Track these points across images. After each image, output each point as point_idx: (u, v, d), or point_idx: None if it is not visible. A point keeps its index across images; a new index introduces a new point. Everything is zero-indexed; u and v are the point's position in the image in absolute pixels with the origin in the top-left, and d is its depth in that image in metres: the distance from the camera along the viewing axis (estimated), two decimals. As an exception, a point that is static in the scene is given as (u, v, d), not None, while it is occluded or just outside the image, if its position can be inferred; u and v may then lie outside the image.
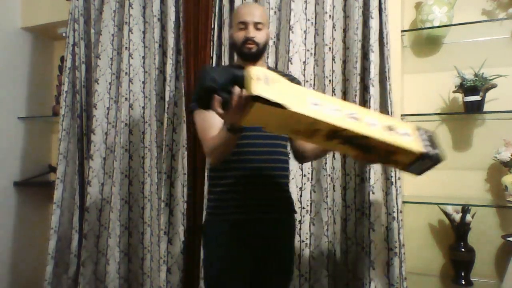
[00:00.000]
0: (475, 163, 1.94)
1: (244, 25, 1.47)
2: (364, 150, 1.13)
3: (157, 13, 2.18)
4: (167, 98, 2.10)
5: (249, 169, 1.42)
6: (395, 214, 1.73)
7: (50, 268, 2.29)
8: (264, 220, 1.45)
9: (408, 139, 1.11)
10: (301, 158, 1.59)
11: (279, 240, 1.49)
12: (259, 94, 0.99)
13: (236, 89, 1.06)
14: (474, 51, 1.91)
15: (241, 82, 1.06)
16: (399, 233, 1.73)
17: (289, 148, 1.61)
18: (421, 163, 1.13)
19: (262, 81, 1.03)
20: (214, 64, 2.05)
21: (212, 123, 1.38)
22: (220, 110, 1.10)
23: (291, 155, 1.62)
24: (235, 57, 1.59)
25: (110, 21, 2.31)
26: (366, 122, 1.09)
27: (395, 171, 1.74)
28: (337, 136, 1.10)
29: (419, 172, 1.17)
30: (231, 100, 1.07)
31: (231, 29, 1.58)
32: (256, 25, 1.47)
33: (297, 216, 1.80)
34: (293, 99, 1.04)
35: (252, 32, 1.46)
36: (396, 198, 1.74)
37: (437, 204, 1.88)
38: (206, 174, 2.00)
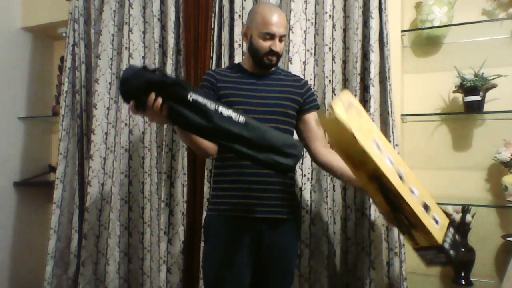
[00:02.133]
0: (475, 163, 1.94)
1: (271, 36, 1.44)
2: (393, 208, 1.15)
3: (157, 13, 2.18)
4: (167, 98, 2.10)
5: (252, 166, 1.40)
6: (395, 214, 1.73)
7: (50, 268, 2.29)
8: (266, 219, 1.45)
9: (436, 226, 1.13)
10: (316, 161, 1.56)
11: (280, 240, 1.49)
12: (335, 113, 1.10)
13: (150, 97, 1.14)
14: (474, 51, 1.91)
15: (157, 87, 1.14)
16: (399, 233, 1.73)
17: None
18: (434, 253, 1.13)
19: (344, 104, 1.13)
20: (214, 65, 2.04)
21: None
22: (135, 111, 1.18)
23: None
24: (246, 58, 1.56)
25: (110, 21, 2.31)
26: (409, 186, 1.13)
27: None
28: (378, 181, 1.12)
29: (427, 261, 1.17)
30: (146, 104, 1.15)
31: (249, 30, 1.51)
32: (280, 37, 1.46)
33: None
34: (363, 130, 1.11)
35: (278, 46, 1.46)
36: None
37: (437, 204, 1.87)
38: (206, 173, 2.00)
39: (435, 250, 1.12)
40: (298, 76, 1.68)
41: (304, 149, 1.59)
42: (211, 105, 1.17)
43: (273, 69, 1.57)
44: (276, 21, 1.44)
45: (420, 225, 1.11)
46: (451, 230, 1.16)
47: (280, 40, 1.46)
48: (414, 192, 1.13)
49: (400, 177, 1.12)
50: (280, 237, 1.48)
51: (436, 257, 1.14)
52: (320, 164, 1.55)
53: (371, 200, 1.72)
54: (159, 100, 1.14)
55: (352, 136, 1.08)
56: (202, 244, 1.74)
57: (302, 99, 1.56)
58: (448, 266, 1.14)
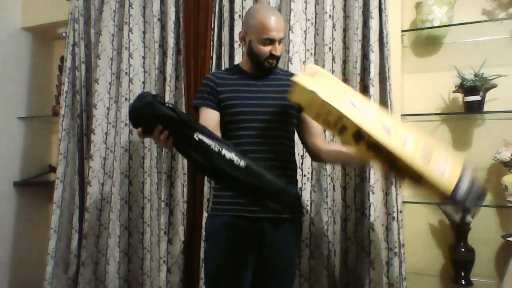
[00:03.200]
0: (475, 163, 1.93)
1: (271, 41, 1.44)
2: (390, 164, 1.11)
3: (157, 13, 2.18)
4: (167, 98, 2.10)
5: None
6: (394, 214, 1.73)
7: (50, 268, 2.29)
8: (267, 219, 1.44)
9: (442, 176, 1.04)
10: (317, 158, 1.56)
11: (281, 240, 1.48)
12: (297, 81, 1.15)
13: (157, 129, 1.21)
14: (474, 51, 1.91)
15: (166, 121, 1.20)
16: (399, 233, 1.73)
17: (299, 148, 1.60)
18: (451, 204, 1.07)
19: (307, 73, 1.17)
20: (214, 65, 2.04)
21: (206, 122, 1.43)
22: (142, 136, 1.25)
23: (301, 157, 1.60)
24: (244, 60, 1.55)
25: (110, 21, 2.31)
26: (400, 139, 1.06)
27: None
28: (363, 139, 1.09)
29: (460, 209, 1.12)
30: (153, 135, 1.22)
31: (247, 34, 1.49)
32: (280, 41, 1.46)
33: (297, 216, 1.81)
34: (331, 92, 1.11)
35: (279, 49, 1.46)
36: (396, 198, 1.74)
37: (437, 204, 1.88)
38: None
39: (449, 201, 1.05)
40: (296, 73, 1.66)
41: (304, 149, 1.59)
42: (215, 147, 1.21)
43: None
44: (274, 25, 1.42)
45: (421, 177, 1.04)
46: (467, 175, 1.08)
47: (279, 43, 1.46)
48: (407, 143, 1.07)
49: (387, 130, 1.08)
50: (281, 237, 1.47)
51: (457, 208, 1.09)
52: (320, 158, 1.55)
53: (370, 200, 1.72)
54: (166, 133, 1.21)
55: (319, 98, 1.08)
56: (203, 244, 1.74)
57: None
58: (472, 215, 1.05)
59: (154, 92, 2.17)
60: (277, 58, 1.48)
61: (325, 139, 1.56)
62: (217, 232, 1.48)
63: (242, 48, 1.97)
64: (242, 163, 1.21)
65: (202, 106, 1.51)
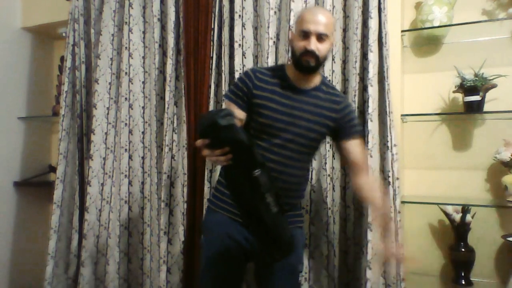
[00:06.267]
0: (475, 163, 1.93)
1: (306, 34, 1.35)
2: None
3: (157, 13, 2.18)
4: (167, 98, 2.10)
5: None
6: (392, 215, 1.73)
7: (50, 268, 2.29)
8: None
9: None
10: (354, 188, 1.53)
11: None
12: None
13: (224, 150, 1.16)
14: (474, 51, 1.91)
15: (237, 147, 1.18)
16: (397, 234, 1.73)
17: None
18: None
19: None
20: (214, 65, 2.04)
21: None
22: (203, 149, 1.18)
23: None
24: (290, 63, 1.48)
25: (110, 21, 2.30)
26: None
27: (393, 171, 1.74)
28: None
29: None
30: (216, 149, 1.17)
31: (292, 34, 1.44)
32: (320, 36, 1.35)
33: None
34: None
35: (314, 44, 1.34)
36: (394, 199, 1.74)
37: (437, 204, 1.88)
38: (206, 173, 2.00)
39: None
40: (340, 96, 1.53)
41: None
42: (263, 189, 1.21)
43: (315, 80, 1.46)
44: (312, 18, 1.34)
45: None
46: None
47: (320, 40, 1.35)
48: None
49: None
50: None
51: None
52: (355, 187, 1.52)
53: None
54: (229, 156, 1.16)
55: None
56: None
57: (337, 124, 1.47)
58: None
59: (155, 92, 2.17)
60: (315, 57, 1.36)
61: (366, 173, 1.50)
62: (212, 226, 1.47)
63: (242, 48, 1.97)
64: (274, 209, 1.23)
65: (232, 102, 1.45)
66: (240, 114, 1.43)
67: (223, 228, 1.43)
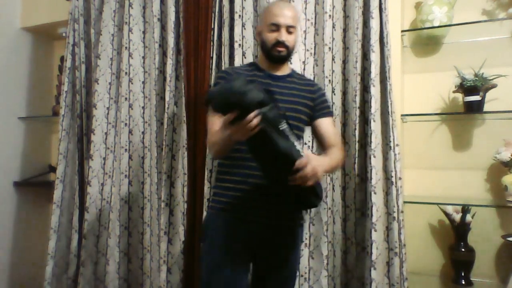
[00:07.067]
0: (475, 163, 1.94)
1: (276, 27, 1.44)
2: None
3: (157, 13, 2.18)
4: (167, 98, 2.10)
5: (256, 169, 1.35)
6: (395, 214, 1.73)
7: (49, 268, 2.29)
8: (265, 225, 1.43)
9: None
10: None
11: (279, 247, 1.47)
12: None
13: (252, 115, 1.11)
14: (474, 51, 1.91)
15: (264, 104, 1.15)
16: (399, 233, 1.73)
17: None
18: None
19: None
20: (214, 65, 2.04)
21: (218, 119, 1.37)
22: (229, 125, 1.15)
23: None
24: (260, 56, 1.56)
25: (110, 21, 2.30)
26: None
27: (395, 171, 1.74)
28: None
29: None
30: (244, 121, 1.12)
31: (259, 27, 1.54)
32: (288, 29, 1.45)
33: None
34: None
35: (284, 36, 1.45)
36: (397, 199, 1.74)
37: (437, 204, 1.88)
38: (206, 173, 2.00)
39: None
40: (312, 81, 1.66)
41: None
42: (291, 137, 1.22)
43: (287, 69, 1.55)
44: (281, 12, 1.44)
45: None
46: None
47: (289, 32, 1.45)
48: None
49: None
50: (279, 243, 1.46)
51: None
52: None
53: (372, 200, 1.72)
54: (258, 119, 1.13)
55: None
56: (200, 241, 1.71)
57: (314, 104, 1.54)
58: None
59: (155, 92, 2.17)
60: (286, 47, 1.46)
61: (338, 149, 1.51)
62: (215, 231, 1.46)
63: (242, 48, 1.97)
64: (301, 153, 1.21)
65: None
66: None
67: (227, 236, 1.43)
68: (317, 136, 1.58)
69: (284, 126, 1.21)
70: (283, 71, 1.55)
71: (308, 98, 1.53)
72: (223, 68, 2.02)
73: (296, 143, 1.22)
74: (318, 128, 1.55)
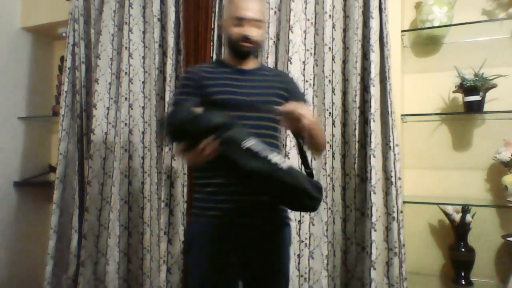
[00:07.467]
0: (475, 163, 1.94)
1: (241, 21, 1.38)
2: None
3: (157, 13, 2.18)
4: (167, 98, 2.10)
5: None
6: (395, 214, 1.73)
7: (49, 268, 2.29)
8: (251, 226, 1.38)
9: None
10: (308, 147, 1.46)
11: (266, 248, 1.41)
12: None
13: (208, 140, 1.09)
14: (474, 51, 1.91)
15: (223, 127, 1.12)
16: (399, 233, 1.73)
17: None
18: None
19: None
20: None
21: None
22: (184, 152, 1.14)
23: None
24: (226, 52, 1.50)
25: (110, 21, 2.30)
26: None
27: (395, 171, 1.74)
28: None
29: None
30: (196, 149, 1.10)
31: (224, 20, 1.47)
32: (254, 23, 1.39)
33: (297, 216, 1.80)
34: None
35: (249, 30, 1.38)
36: (396, 198, 1.74)
37: (437, 204, 1.88)
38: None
39: None
40: (282, 71, 1.62)
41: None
42: (261, 153, 1.15)
43: (255, 63, 1.51)
44: (245, 5, 1.37)
45: None
46: None
47: (255, 25, 1.39)
48: None
49: None
50: (266, 244, 1.41)
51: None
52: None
53: (372, 200, 1.72)
54: (215, 143, 1.10)
55: None
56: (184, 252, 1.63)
57: (287, 93, 1.49)
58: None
59: (155, 92, 2.17)
60: (252, 42, 1.40)
61: None
62: (203, 238, 1.39)
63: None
64: (285, 165, 1.17)
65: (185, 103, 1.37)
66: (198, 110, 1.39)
67: (217, 244, 1.37)
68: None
69: (249, 143, 1.14)
70: (252, 65, 1.50)
71: (280, 88, 1.48)
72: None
73: (270, 156, 1.15)
74: None
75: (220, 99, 1.39)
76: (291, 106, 1.22)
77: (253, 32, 1.40)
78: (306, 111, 1.21)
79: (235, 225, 1.37)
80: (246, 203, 1.37)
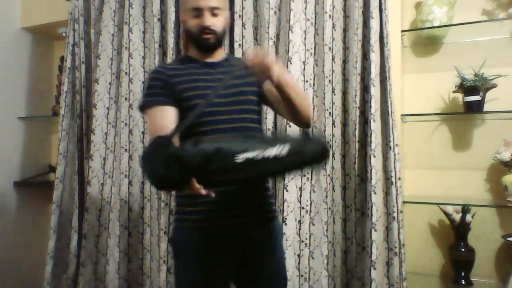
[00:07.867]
0: (475, 163, 1.94)
1: (199, 11, 1.30)
2: None
3: (157, 13, 2.18)
4: (167, 98, 2.10)
5: None
6: (395, 214, 1.73)
7: (49, 268, 2.29)
8: (239, 225, 1.33)
9: None
10: (300, 123, 1.43)
11: (257, 246, 1.37)
12: None
13: (193, 183, 1.05)
14: (474, 51, 1.91)
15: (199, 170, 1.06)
16: (399, 233, 1.73)
17: None
18: None
19: None
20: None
21: (165, 124, 1.26)
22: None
23: None
24: (191, 47, 1.43)
25: (110, 21, 2.30)
26: None
27: (395, 171, 1.74)
28: None
29: None
30: (187, 191, 1.07)
31: (182, 14, 1.39)
32: (213, 11, 1.31)
33: (297, 216, 1.80)
34: None
35: (208, 20, 1.30)
36: (396, 198, 1.74)
37: (437, 204, 1.88)
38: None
39: None
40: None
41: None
42: (257, 156, 1.08)
43: (222, 54, 1.44)
44: None
45: None
46: None
47: (214, 14, 1.31)
48: None
49: None
50: (255, 242, 1.36)
51: None
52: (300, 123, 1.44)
53: (372, 200, 1.72)
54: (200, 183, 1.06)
55: None
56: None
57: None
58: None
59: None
60: (214, 32, 1.33)
61: None
62: (189, 243, 1.33)
63: (242, 48, 1.97)
64: (284, 151, 1.10)
65: (155, 105, 1.31)
66: (171, 112, 1.30)
67: (205, 248, 1.31)
68: (274, 103, 1.42)
69: (241, 156, 1.06)
70: (218, 56, 1.42)
71: (250, 76, 1.35)
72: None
73: (267, 152, 1.08)
74: (270, 94, 1.40)
75: (192, 96, 1.32)
76: (258, 55, 1.17)
77: (212, 21, 1.32)
78: (273, 58, 1.19)
79: (222, 227, 1.32)
80: (231, 203, 1.33)
